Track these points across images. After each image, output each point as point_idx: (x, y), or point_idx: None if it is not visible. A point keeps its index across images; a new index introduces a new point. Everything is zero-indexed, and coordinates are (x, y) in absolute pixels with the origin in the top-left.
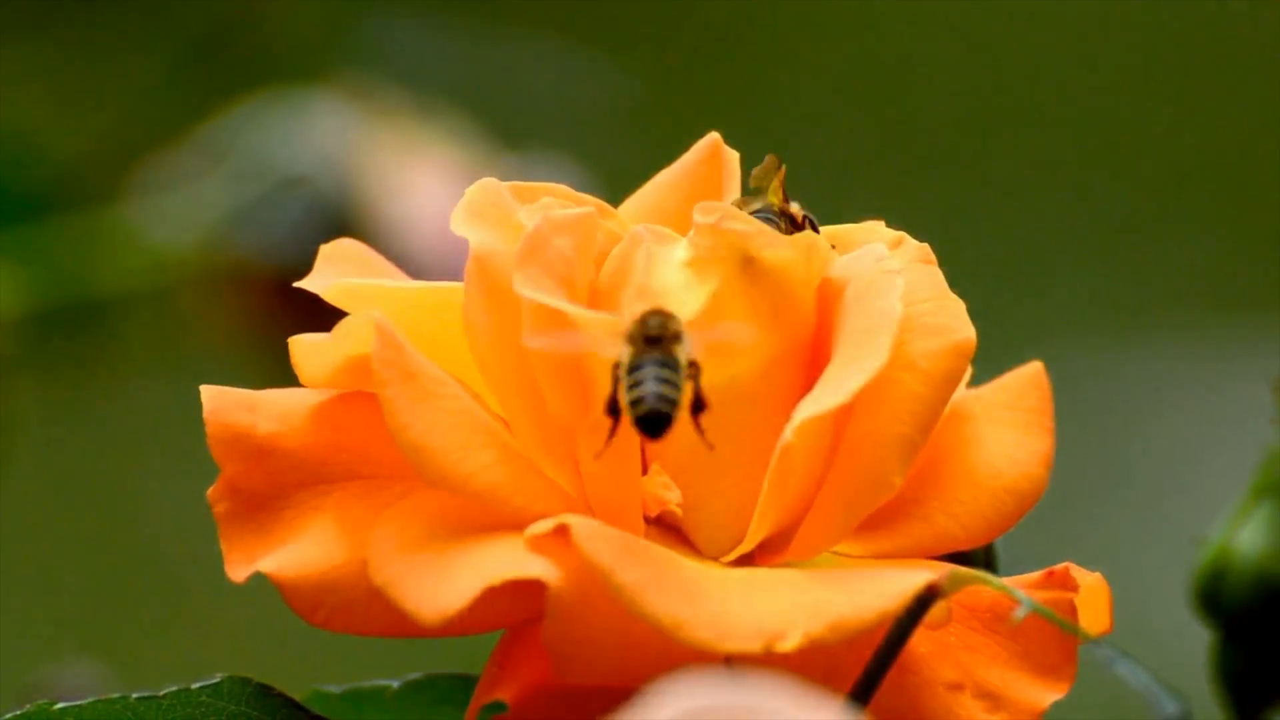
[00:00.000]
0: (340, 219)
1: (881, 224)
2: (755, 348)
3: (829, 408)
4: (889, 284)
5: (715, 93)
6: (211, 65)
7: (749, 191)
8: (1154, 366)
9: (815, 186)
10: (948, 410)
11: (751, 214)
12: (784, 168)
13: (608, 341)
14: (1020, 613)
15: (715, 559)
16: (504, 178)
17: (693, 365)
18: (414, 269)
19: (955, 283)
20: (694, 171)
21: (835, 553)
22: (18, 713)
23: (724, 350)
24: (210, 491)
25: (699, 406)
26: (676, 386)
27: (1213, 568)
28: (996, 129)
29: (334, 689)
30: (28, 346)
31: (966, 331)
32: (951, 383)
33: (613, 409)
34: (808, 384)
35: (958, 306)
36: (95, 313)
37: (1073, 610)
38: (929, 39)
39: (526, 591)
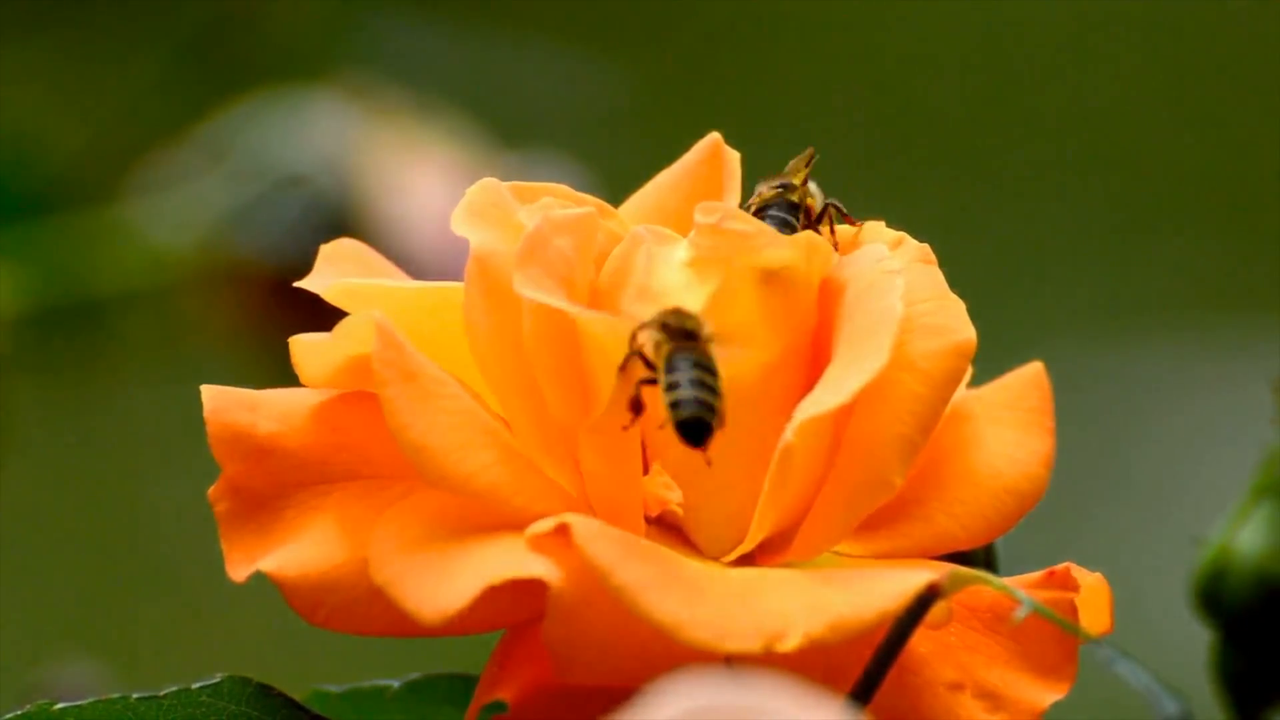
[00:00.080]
0: (340, 219)
1: (882, 224)
2: (758, 348)
3: (829, 408)
4: (889, 284)
5: (715, 93)
6: (211, 64)
7: (749, 192)
8: (1154, 366)
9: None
10: (948, 410)
11: (770, 189)
12: (816, 158)
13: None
14: (1021, 613)
15: (716, 559)
16: (504, 178)
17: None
18: (414, 269)
19: (955, 283)
20: (695, 171)
21: (836, 553)
22: (18, 713)
23: (730, 351)
24: (211, 491)
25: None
26: (717, 393)
27: (1213, 568)
28: (997, 129)
29: (334, 689)
30: (27, 346)
31: (967, 332)
32: (952, 383)
33: (637, 400)
34: (808, 384)
35: (958, 307)
36: (95, 312)
37: (1073, 610)
38: (929, 39)
39: (527, 591)
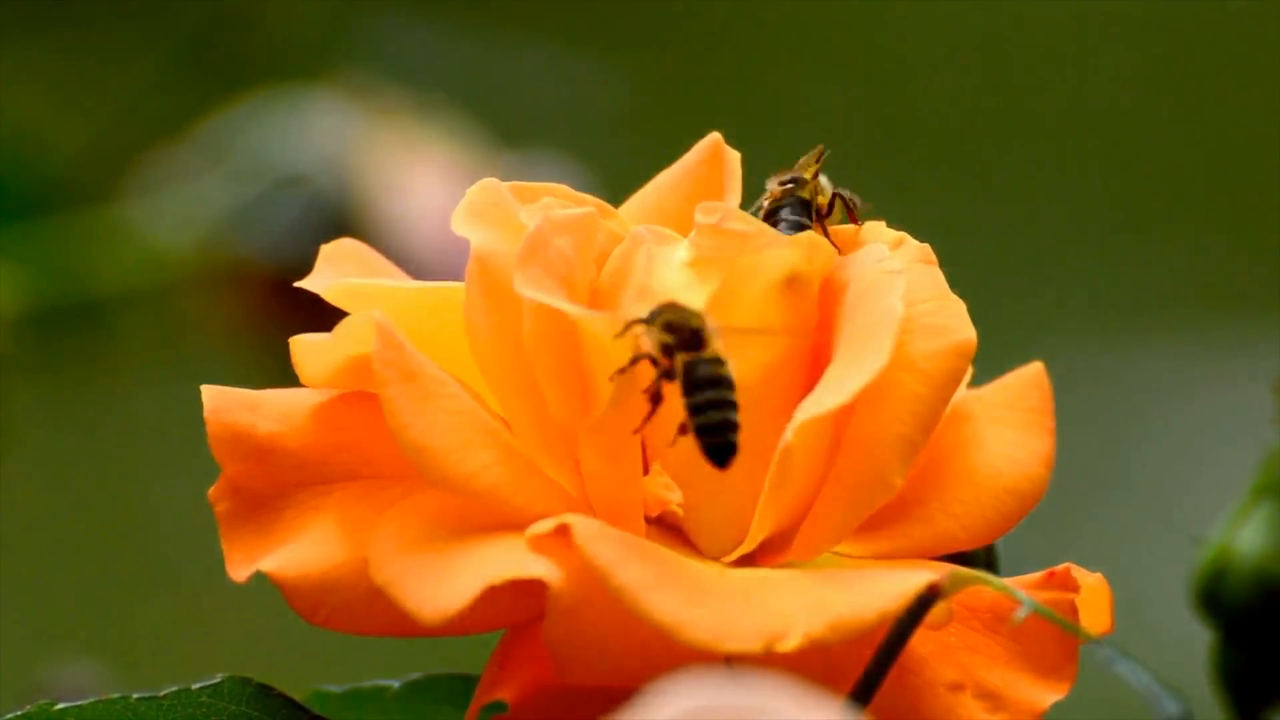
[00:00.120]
0: (340, 218)
1: (882, 224)
2: (760, 348)
3: (830, 408)
4: (890, 284)
5: (715, 93)
6: (210, 64)
7: (749, 192)
8: (1154, 366)
9: None
10: (948, 410)
11: (780, 184)
12: (826, 153)
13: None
14: (1021, 613)
15: (716, 559)
16: (504, 178)
17: None
18: (414, 269)
19: (955, 283)
20: (695, 172)
21: (836, 553)
22: (18, 713)
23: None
24: (211, 491)
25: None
26: (736, 406)
27: (1213, 568)
28: (996, 129)
29: (334, 689)
30: (27, 346)
31: (967, 332)
32: (952, 383)
33: (657, 396)
34: (808, 384)
35: (958, 307)
36: (95, 312)
37: (1073, 610)
38: (928, 39)
39: (527, 591)
